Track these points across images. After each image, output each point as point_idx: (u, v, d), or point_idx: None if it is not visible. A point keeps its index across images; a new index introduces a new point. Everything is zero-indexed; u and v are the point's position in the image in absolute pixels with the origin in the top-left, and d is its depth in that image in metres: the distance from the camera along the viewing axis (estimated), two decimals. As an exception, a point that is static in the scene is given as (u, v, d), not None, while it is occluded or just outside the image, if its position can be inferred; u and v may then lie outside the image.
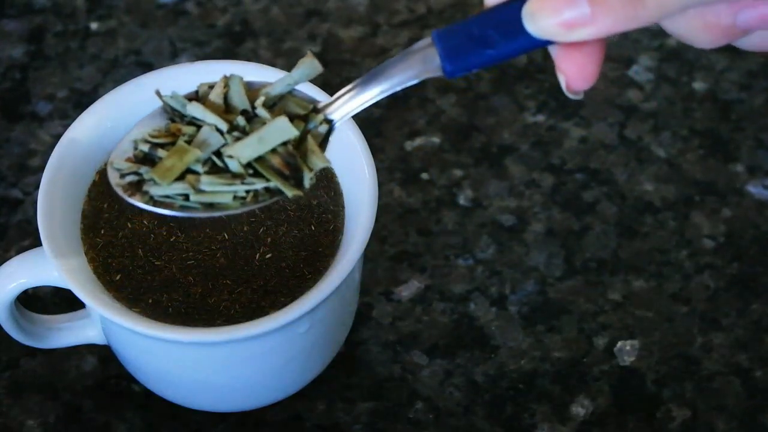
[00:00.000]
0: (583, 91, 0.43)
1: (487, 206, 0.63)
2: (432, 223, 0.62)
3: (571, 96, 0.43)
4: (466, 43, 0.42)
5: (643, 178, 0.64)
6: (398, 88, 0.44)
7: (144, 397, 0.57)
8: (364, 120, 0.65)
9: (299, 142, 0.45)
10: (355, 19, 0.69)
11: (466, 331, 0.59)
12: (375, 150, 0.61)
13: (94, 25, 0.70)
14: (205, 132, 0.44)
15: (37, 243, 0.51)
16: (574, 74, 0.42)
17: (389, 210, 0.62)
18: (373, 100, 0.44)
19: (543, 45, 0.41)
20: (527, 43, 0.41)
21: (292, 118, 0.45)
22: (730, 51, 0.68)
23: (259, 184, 0.44)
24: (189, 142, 0.44)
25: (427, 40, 0.43)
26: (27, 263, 0.52)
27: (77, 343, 0.56)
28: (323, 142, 0.45)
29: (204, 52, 0.68)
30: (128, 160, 0.45)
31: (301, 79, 0.46)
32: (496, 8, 0.42)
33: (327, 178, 0.54)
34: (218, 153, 0.44)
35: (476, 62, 0.43)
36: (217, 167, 0.44)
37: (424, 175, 0.64)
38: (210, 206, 0.44)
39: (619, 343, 0.59)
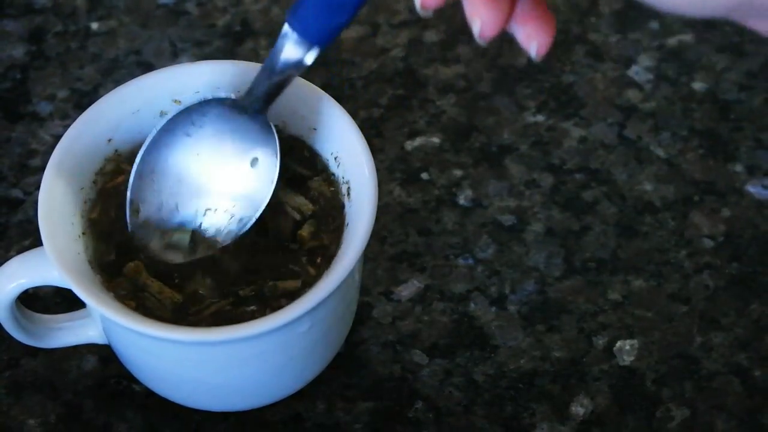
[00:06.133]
0: (490, 39, 0.43)
1: (487, 206, 0.63)
2: (432, 223, 0.62)
3: (480, 42, 0.44)
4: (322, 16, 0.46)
5: (643, 178, 0.64)
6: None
7: (144, 397, 0.57)
8: (364, 120, 0.65)
9: None
10: (355, 18, 0.69)
11: (466, 331, 0.59)
12: (375, 150, 0.62)
13: (94, 25, 0.70)
14: None
15: (37, 243, 0.51)
16: (489, 19, 0.43)
17: (389, 210, 0.62)
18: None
19: None
20: None
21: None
22: (730, 51, 0.68)
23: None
24: None
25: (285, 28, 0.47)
26: (27, 263, 0.52)
27: (78, 343, 0.56)
28: None
29: (204, 52, 0.68)
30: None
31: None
32: None
33: (327, 178, 0.54)
34: None
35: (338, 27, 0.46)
36: None
37: (424, 175, 0.64)
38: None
39: (619, 343, 0.59)
